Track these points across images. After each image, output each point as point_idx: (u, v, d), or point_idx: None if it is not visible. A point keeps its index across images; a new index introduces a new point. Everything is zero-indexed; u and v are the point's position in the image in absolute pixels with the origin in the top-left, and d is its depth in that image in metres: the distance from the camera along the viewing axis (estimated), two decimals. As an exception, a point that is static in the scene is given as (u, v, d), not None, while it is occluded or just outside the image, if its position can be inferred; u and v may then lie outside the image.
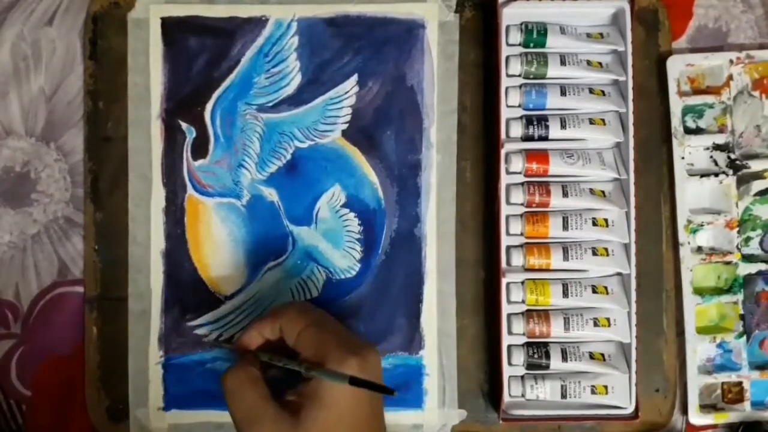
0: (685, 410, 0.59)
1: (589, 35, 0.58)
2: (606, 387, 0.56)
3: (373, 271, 0.59)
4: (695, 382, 0.58)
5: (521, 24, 0.57)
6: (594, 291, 0.56)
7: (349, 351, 0.48)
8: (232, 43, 0.59)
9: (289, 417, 0.47)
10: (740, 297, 0.59)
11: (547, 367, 0.56)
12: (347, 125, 0.59)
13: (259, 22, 0.59)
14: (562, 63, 0.57)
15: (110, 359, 0.59)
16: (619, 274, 0.57)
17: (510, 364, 0.56)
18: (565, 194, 0.57)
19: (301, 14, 0.59)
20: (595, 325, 0.56)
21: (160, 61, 0.59)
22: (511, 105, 0.57)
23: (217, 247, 0.59)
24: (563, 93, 0.57)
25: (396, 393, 0.46)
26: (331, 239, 0.59)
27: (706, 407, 0.59)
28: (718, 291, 0.59)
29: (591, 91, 0.57)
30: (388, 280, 0.59)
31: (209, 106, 0.59)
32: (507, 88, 0.57)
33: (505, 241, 0.57)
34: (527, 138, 0.57)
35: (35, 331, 0.60)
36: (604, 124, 0.57)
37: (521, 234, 0.57)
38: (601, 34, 0.58)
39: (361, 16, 0.59)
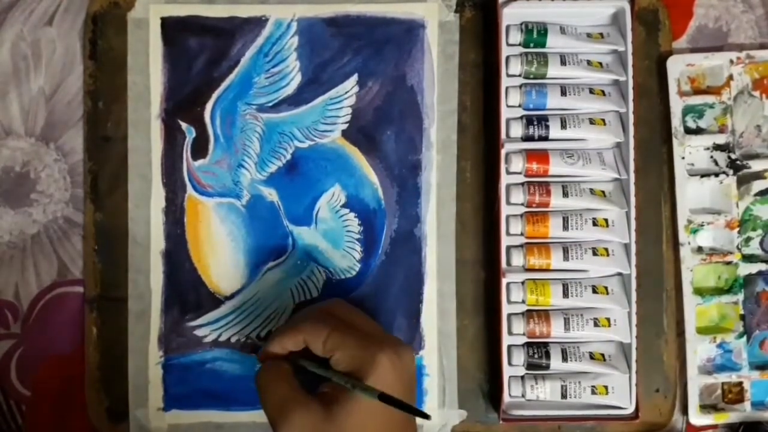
0: (685, 410, 0.59)
1: (589, 35, 0.58)
2: (606, 387, 0.56)
3: (373, 271, 0.59)
4: (695, 382, 0.58)
5: (521, 24, 0.57)
6: (594, 291, 0.56)
7: (380, 349, 0.47)
8: (232, 42, 0.59)
9: (321, 407, 0.47)
10: (740, 297, 0.59)
11: (547, 367, 0.56)
12: (347, 125, 0.59)
13: (259, 22, 0.59)
14: (563, 63, 0.57)
15: (110, 359, 0.59)
16: (619, 274, 0.57)
17: (510, 364, 0.56)
18: (565, 194, 0.57)
19: (301, 14, 0.59)
20: (596, 325, 0.56)
21: (160, 61, 0.59)
22: (511, 105, 0.57)
23: (217, 247, 0.59)
24: (563, 93, 0.57)
25: (430, 417, 0.45)
26: (331, 239, 0.59)
27: (706, 407, 0.59)
28: (719, 291, 0.59)
29: (591, 91, 0.57)
30: (388, 280, 0.59)
31: (209, 106, 0.59)
32: (507, 88, 0.57)
33: (505, 241, 0.57)
34: (527, 138, 0.57)
35: (35, 331, 0.60)
36: (605, 124, 0.57)
37: (521, 234, 0.57)
38: (602, 34, 0.58)
39: (361, 16, 0.59)
